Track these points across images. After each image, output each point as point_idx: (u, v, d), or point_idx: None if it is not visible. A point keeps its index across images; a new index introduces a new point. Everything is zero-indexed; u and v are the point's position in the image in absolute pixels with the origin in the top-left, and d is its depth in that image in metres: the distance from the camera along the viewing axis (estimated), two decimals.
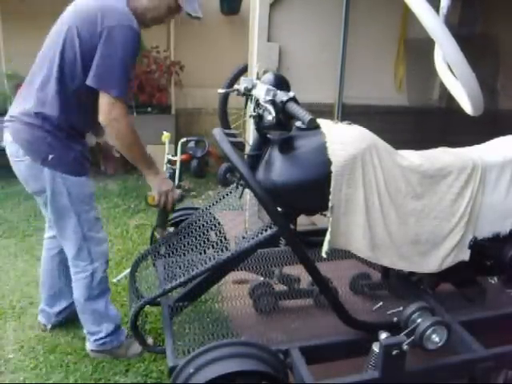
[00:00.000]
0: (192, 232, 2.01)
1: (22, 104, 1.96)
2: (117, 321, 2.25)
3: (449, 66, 2.03)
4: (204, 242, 1.97)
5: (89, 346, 2.27)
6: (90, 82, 1.83)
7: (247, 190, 1.80)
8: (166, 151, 4.73)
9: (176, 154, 4.76)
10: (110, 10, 1.86)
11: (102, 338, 2.21)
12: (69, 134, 1.96)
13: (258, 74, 3.36)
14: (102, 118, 1.86)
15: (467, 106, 1.98)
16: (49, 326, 2.43)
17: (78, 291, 2.16)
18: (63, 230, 2.06)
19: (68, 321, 2.44)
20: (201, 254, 1.96)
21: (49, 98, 1.90)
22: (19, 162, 1.95)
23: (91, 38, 1.84)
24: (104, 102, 1.85)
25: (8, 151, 1.99)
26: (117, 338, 2.24)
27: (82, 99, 1.93)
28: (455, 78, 1.98)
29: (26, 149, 1.92)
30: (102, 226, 2.18)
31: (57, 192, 1.96)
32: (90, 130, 2.16)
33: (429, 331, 1.59)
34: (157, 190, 2.07)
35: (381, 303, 2.39)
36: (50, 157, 1.90)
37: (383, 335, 1.53)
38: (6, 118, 2.00)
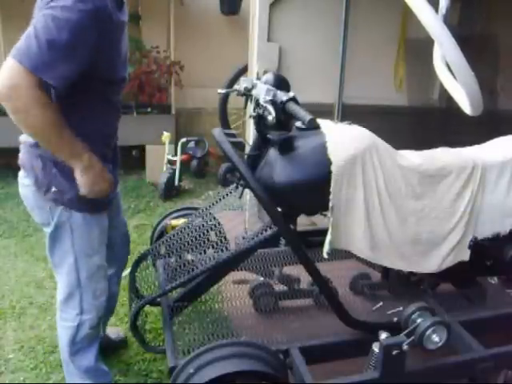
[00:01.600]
0: (192, 232, 2.01)
1: None
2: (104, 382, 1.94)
3: (448, 66, 2.02)
4: (204, 242, 1.97)
5: None
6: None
7: (247, 190, 1.80)
8: (166, 151, 4.78)
9: (176, 154, 4.79)
10: None
11: None
12: None
13: (257, 73, 3.38)
14: None
15: (466, 106, 1.98)
16: None
17: (62, 342, 1.86)
18: (58, 267, 1.80)
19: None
20: (201, 254, 1.96)
21: None
22: (26, 187, 1.72)
23: None
24: (5, 65, 1.43)
25: (19, 173, 1.77)
26: None
27: (75, 114, 1.60)
28: (454, 77, 1.97)
29: (31, 177, 1.69)
30: (106, 276, 1.88)
31: (59, 225, 1.70)
32: (106, 151, 1.76)
33: (429, 331, 1.59)
34: (86, 189, 1.63)
35: (381, 303, 2.39)
36: (53, 189, 1.65)
37: (383, 335, 1.53)
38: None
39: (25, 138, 1.73)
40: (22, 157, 1.74)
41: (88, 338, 1.85)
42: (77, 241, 1.72)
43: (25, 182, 1.72)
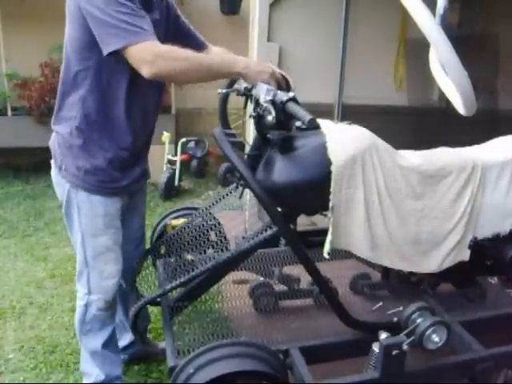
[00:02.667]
0: (192, 232, 2.01)
1: None
2: (111, 373, 1.94)
3: (443, 66, 2.03)
4: (204, 242, 1.97)
5: None
6: (106, 50, 1.52)
7: (247, 190, 1.80)
8: (166, 151, 4.78)
9: (176, 154, 4.79)
10: None
11: None
12: (88, 142, 1.71)
13: None
14: (145, 73, 1.53)
15: (460, 107, 1.99)
16: None
17: (76, 319, 1.92)
18: (74, 245, 1.85)
19: (139, 359, 2.28)
20: (201, 253, 1.96)
21: (61, 98, 1.74)
22: (52, 165, 1.83)
23: (77, 18, 1.57)
24: (131, 56, 1.52)
25: None
26: None
27: (95, 94, 1.67)
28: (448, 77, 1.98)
29: (52, 154, 1.81)
30: (119, 259, 1.86)
31: (69, 203, 1.77)
32: (128, 135, 1.77)
33: (429, 331, 1.58)
34: (257, 80, 1.68)
35: (381, 303, 2.39)
36: (63, 167, 1.74)
37: (383, 335, 1.53)
38: None
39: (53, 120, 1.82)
40: (51, 140, 1.83)
41: (98, 320, 1.86)
42: (82, 219, 1.77)
43: (52, 162, 1.83)
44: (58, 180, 1.79)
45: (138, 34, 1.50)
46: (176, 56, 1.55)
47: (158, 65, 1.51)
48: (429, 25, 1.76)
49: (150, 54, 1.50)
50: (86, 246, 1.79)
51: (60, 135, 1.75)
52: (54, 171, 1.81)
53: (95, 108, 1.68)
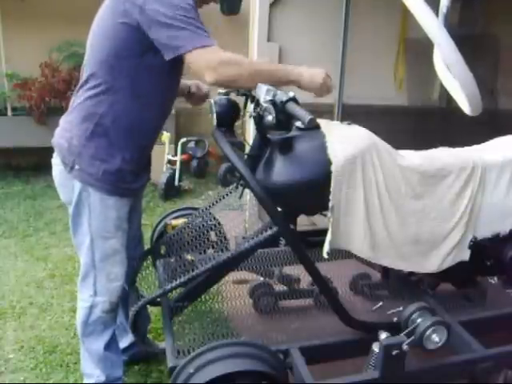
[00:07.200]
0: (192, 232, 2.01)
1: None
2: (112, 375, 1.94)
3: (447, 67, 2.03)
4: (204, 242, 1.97)
5: None
6: (167, 56, 1.58)
7: (247, 190, 1.80)
8: (166, 151, 4.78)
9: (176, 154, 4.79)
10: None
11: None
12: (110, 141, 1.70)
13: None
14: (209, 79, 1.57)
15: (465, 106, 1.99)
16: None
17: (77, 321, 1.91)
18: (78, 247, 1.84)
19: (139, 359, 2.28)
20: (201, 253, 1.95)
21: (86, 88, 1.69)
22: (56, 166, 1.79)
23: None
24: (195, 60, 1.57)
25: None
26: None
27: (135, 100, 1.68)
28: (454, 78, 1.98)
29: (59, 154, 1.76)
30: (124, 261, 1.87)
31: (80, 205, 1.74)
32: (146, 138, 1.82)
33: (429, 331, 1.58)
34: (317, 92, 1.73)
35: (381, 303, 2.39)
36: (77, 167, 1.70)
37: (383, 335, 1.53)
38: None
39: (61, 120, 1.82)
40: (54, 137, 1.81)
41: (101, 322, 1.86)
42: (93, 221, 1.75)
43: (55, 161, 1.79)
44: (66, 180, 1.75)
45: (205, 38, 1.57)
46: (238, 62, 1.61)
47: (220, 71, 1.56)
48: (432, 25, 1.76)
49: (215, 60, 1.56)
50: (94, 248, 1.78)
51: (74, 130, 1.70)
52: (59, 170, 1.77)
53: (126, 110, 1.68)
